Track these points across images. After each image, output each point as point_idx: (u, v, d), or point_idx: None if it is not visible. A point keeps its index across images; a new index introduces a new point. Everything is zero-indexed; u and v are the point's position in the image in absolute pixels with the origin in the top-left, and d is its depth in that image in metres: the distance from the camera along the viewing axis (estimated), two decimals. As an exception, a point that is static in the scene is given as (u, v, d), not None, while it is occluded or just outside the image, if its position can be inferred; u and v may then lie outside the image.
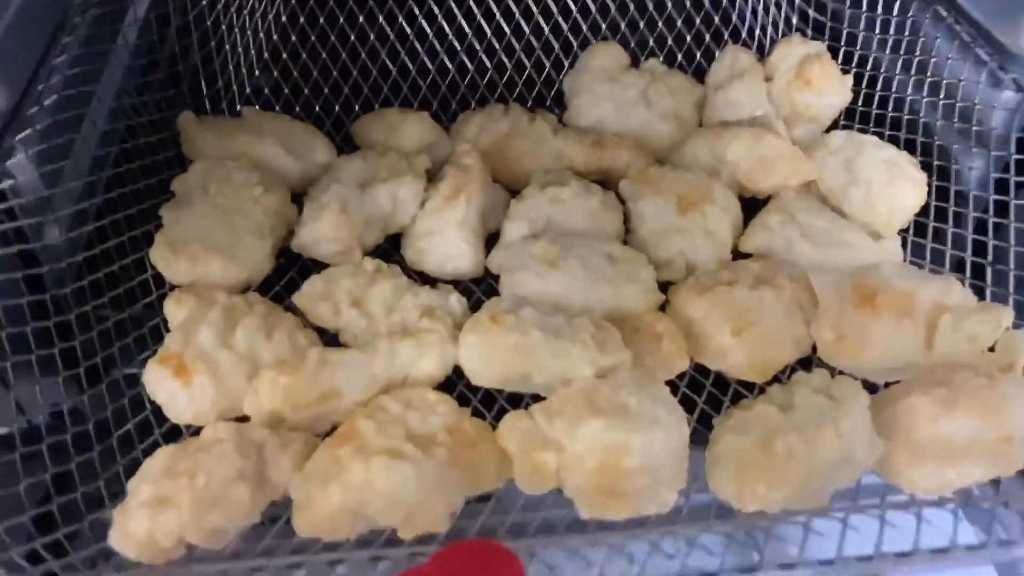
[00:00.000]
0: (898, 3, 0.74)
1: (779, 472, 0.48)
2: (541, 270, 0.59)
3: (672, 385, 0.57)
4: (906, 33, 0.73)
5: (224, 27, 0.76)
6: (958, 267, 0.64)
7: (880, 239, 0.64)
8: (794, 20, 0.82)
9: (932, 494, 0.52)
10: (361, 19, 0.78)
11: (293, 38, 0.79)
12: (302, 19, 0.79)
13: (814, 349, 0.59)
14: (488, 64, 0.80)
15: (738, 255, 0.65)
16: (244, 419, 0.54)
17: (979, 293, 0.61)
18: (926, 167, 0.67)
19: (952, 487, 0.51)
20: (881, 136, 0.70)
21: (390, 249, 0.67)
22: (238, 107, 0.77)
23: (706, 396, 0.58)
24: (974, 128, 0.66)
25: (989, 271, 0.62)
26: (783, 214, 0.64)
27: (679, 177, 0.66)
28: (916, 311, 0.56)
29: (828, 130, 0.74)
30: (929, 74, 0.71)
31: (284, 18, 0.78)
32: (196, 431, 0.52)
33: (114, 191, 0.63)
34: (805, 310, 0.59)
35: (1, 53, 0.58)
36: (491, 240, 0.67)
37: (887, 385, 0.56)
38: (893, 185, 0.63)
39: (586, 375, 0.53)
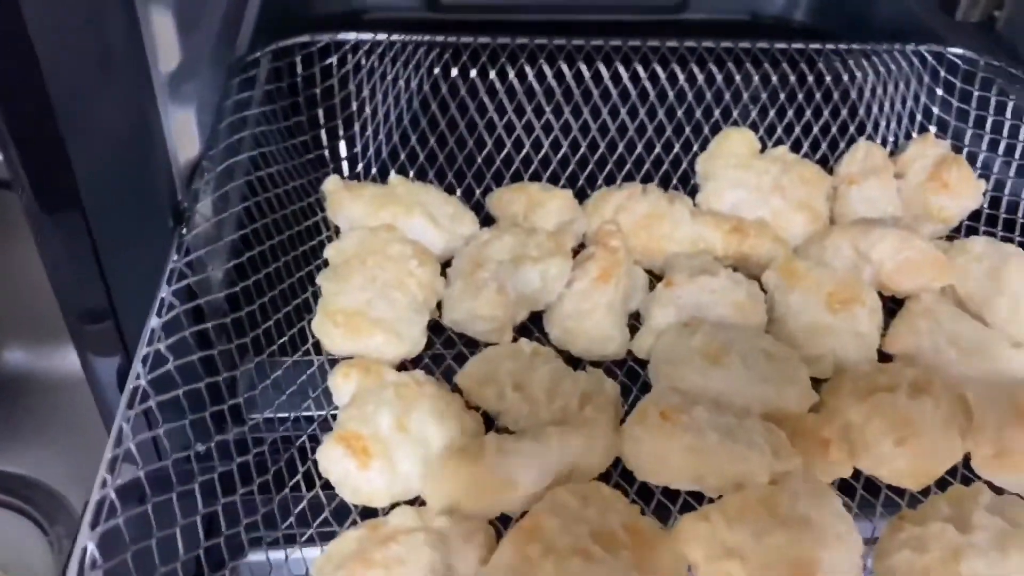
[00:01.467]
0: (1010, 106, 0.77)
1: (968, 599, 0.49)
2: (702, 365, 0.60)
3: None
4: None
5: (367, 92, 0.78)
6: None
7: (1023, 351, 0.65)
8: (918, 118, 0.83)
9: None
10: (501, 94, 0.79)
11: (433, 107, 0.79)
12: (444, 89, 0.80)
13: (962, 459, 0.60)
14: (618, 141, 0.81)
15: (881, 356, 0.66)
16: (412, 500, 0.55)
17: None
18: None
19: None
20: (1009, 240, 0.72)
21: (528, 324, 0.68)
22: (373, 170, 0.78)
23: (859, 499, 0.59)
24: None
25: None
26: (930, 319, 0.65)
27: (828, 274, 0.67)
28: (1075, 430, 0.57)
29: (954, 231, 0.76)
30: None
31: (427, 86, 0.79)
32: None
33: (257, 249, 0.63)
34: (959, 421, 0.60)
35: (200, 103, 0.59)
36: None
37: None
38: (1042, 299, 0.65)
39: (761, 480, 0.54)
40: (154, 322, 0.51)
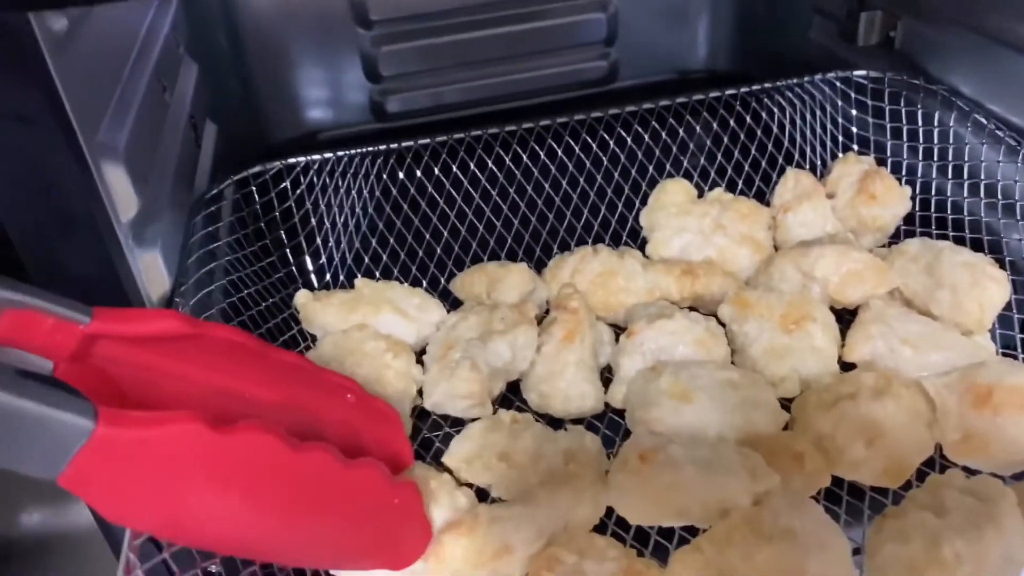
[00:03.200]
0: (937, 115, 0.82)
1: (950, 577, 0.51)
2: (673, 405, 0.63)
3: (813, 499, 0.60)
4: (950, 141, 0.80)
5: (323, 207, 0.83)
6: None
7: (972, 336, 0.69)
8: (840, 139, 0.88)
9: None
10: (448, 186, 0.85)
11: (387, 209, 0.84)
12: (394, 191, 0.85)
13: (935, 449, 0.63)
14: (566, 210, 0.86)
15: (843, 366, 0.69)
16: None
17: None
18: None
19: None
20: (944, 237, 0.76)
21: (508, 395, 0.71)
22: (340, 278, 0.83)
23: (846, 506, 0.61)
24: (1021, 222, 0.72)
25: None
26: (881, 323, 0.68)
27: (778, 298, 0.70)
28: (1031, 403, 0.60)
29: (892, 237, 0.80)
30: (983, 177, 0.77)
31: (378, 191, 0.84)
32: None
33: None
34: (923, 414, 0.63)
35: (165, 243, 0.63)
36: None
37: (1014, 477, 0.60)
38: (978, 285, 0.68)
39: (744, 504, 0.56)
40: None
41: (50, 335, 0.39)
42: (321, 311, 0.74)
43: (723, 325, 0.73)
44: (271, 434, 0.42)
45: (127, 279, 0.54)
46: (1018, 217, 0.73)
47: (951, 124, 0.81)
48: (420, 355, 0.73)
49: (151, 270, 0.60)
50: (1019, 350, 0.69)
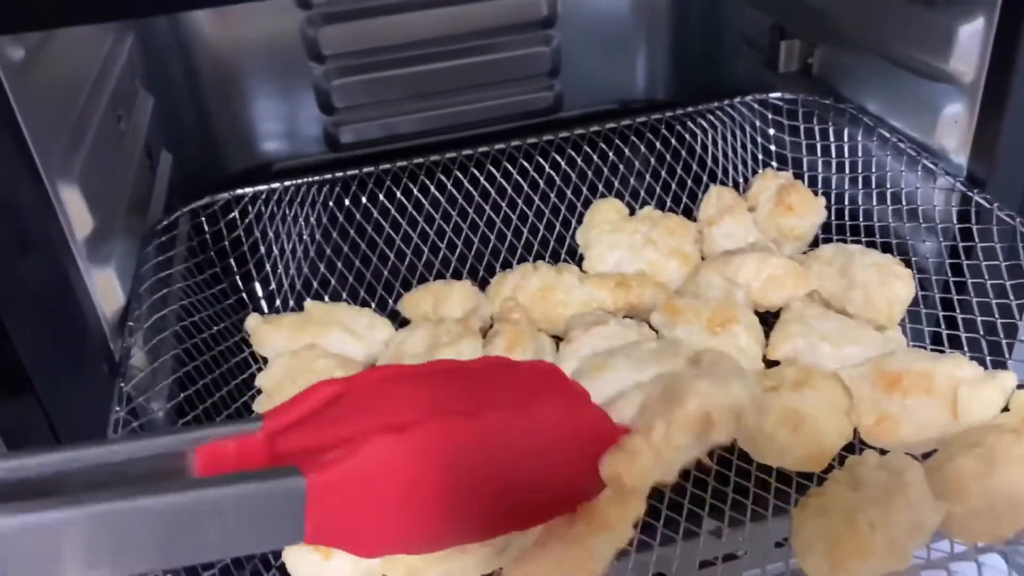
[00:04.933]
0: (846, 131, 0.88)
1: (866, 545, 0.55)
2: (593, 377, 0.67)
3: (742, 487, 0.65)
4: (860, 155, 0.87)
5: (271, 235, 0.86)
6: (936, 341, 0.75)
7: (885, 331, 0.74)
8: (760, 157, 0.95)
9: (992, 542, 0.59)
10: (393, 212, 0.89)
11: (335, 235, 0.88)
12: (341, 217, 0.88)
13: (855, 436, 0.67)
14: (507, 231, 0.90)
15: (768, 363, 0.74)
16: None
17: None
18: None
19: (1009, 533, 0.59)
20: (858, 243, 0.82)
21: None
22: (291, 303, 0.86)
23: (774, 491, 0.65)
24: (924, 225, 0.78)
25: (964, 340, 0.72)
26: (800, 323, 0.73)
27: (703, 304, 0.75)
28: (936, 387, 0.65)
29: (812, 245, 0.86)
30: (889, 186, 0.83)
31: (325, 219, 0.88)
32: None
33: (192, 388, 0.69)
34: (841, 402, 0.67)
35: (119, 265, 0.66)
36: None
37: (925, 456, 0.65)
38: (887, 284, 0.74)
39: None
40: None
41: (238, 455, 0.42)
42: (272, 333, 0.77)
43: (656, 331, 0.77)
44: (444, 414, 0.44)
45: (82, 295, 0.56)
46: (920, 220, 0.79)
47: (859, 139, 0.87)
48: (369, 372, 0.75)
49: (106, 288, 0.62)
50: (927, 342, 0.74)
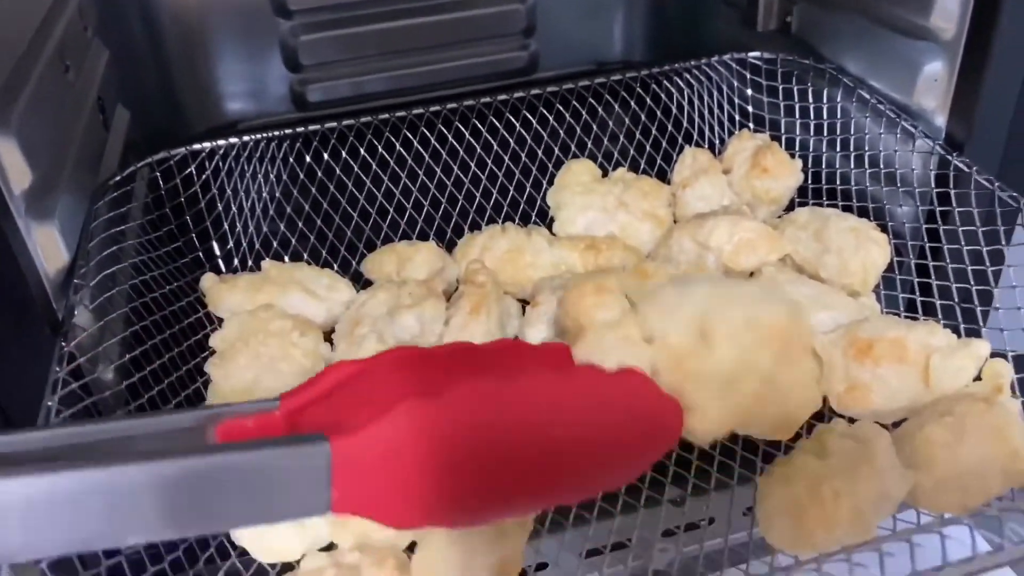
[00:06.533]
0: (825, 92, 0.86)
1: (831, 515, 0.54)
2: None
3: (707, 454, 0.63)
4: (838, 117, 0.84)
5: (229, 192, 0.83)
6: (910, 307, 0.73)
7: (858, 297, 0.72)
8: (737, 118, 0.92)
9: (959, 514, 0.58)
10: (356, 169, 0.86)
11: (295, 193, 0.85)
12: (302, 175, 0.85)
13: (824, 403, 0.66)
14: (475, 192, 0.87)
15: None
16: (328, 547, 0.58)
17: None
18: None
19: (976, 504, 0.57)
20: (834, 207, 0.80)
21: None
22: (249, 263, 0.83)
23: (740, 459, 0.64)
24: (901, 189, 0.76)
25: (939, 307, 0.71)
26: (774, 288, 0.71)
27: (674, 268, 0.73)
28: (909, 355, 0.63)
29: (787, 208, 0.83)
30: (867, 148, 0.81)
31: (285, 176, 0.85)
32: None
33: (139, 349, 0.66)
34: (811, 370, 0.66)
35: (63, 222, 0.63)
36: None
37: (895, 425, 0.63)
38: (862, 249, 0.72)
39: None
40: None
41: (257, 431, 0.41)
42: (227, 293, 0.74)
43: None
44: (477, 376, 0.42)
45: (20, 250, 0.54)
46: (898, 184, 0.77)
47: (838, 100, 0.84)
48: (329, 335, 0.73)
49: (48, 245, 0.59)
50: (901, 309, 0.73)
